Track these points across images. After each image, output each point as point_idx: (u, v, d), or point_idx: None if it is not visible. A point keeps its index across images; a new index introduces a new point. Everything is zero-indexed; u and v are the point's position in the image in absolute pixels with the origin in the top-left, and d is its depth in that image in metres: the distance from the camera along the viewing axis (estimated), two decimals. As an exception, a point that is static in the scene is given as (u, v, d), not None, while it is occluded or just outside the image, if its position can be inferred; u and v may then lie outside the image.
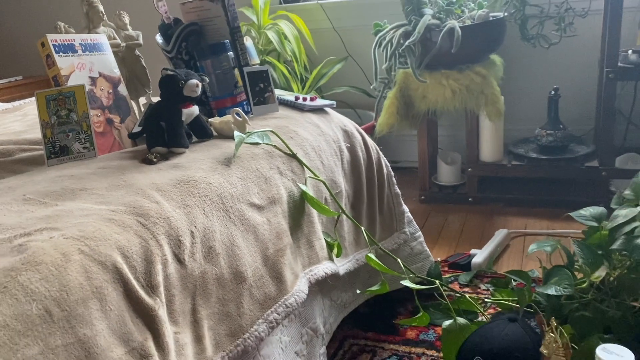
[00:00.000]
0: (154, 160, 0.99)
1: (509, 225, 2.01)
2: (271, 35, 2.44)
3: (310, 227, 1.11)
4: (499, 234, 1.87)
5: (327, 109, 1.41)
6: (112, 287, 0.69)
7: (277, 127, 1.19)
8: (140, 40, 1.31)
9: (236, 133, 1.06)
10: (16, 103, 1.82)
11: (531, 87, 2.43)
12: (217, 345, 0.84)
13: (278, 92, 1.43)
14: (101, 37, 1.16)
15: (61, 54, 1.07)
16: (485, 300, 1.49)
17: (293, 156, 1.13)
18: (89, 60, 1.11)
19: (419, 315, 1.21)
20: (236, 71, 1.27)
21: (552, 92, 2.15)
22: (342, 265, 1.22)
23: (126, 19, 1.30)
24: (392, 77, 2.14)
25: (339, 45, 2.69)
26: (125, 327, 0.68)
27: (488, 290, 1.59)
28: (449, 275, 1.70)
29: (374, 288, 1.19)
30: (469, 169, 2.23)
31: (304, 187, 1.10)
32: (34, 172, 0.97)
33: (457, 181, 2.35)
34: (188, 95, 1.04)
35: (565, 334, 1.01)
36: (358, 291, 1.32)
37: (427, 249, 1.56)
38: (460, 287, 1.62)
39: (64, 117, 1.01)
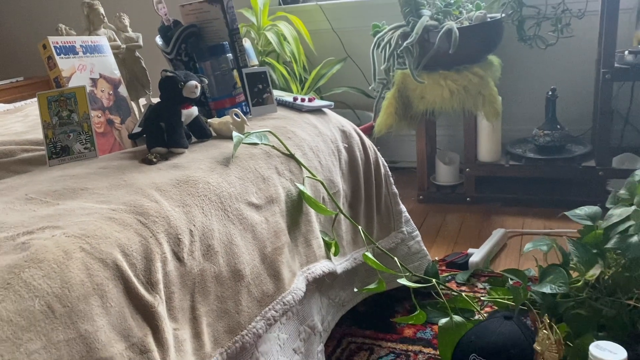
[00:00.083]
0: (154, 160, 1.00)
1: (506, 224, 2.03)
2: (270, 36, 2.46)
3: (308, 226, 1.12)
4: (496, 234, 1.89)
5: (325, 109, 1.42)
6: (113, 284, 0.70)
7: (276, 127, 1.20)
8: (140, 42, 1.32)
9: (235, 133, 1.08)
10: (17, 104, 1.83)
11: (529, 87, 2.45)
12: (216, 341, 0.85)
13: (276, 93, 1.44)
14: (102, 39, 1.18)
15: (62, 55, 1.08)
16: (482, 298, 1.51)
17: (291, 156, 1.14)
18: (89, 62, 1.12)
19: (415, 313, 1.23)
20: (235, 72, 1.28)
21: (550, 93, 2.16)
22: (339, 264, 1.23)
23: (126, 21, 1.32)
24: (391, 77, 2.16)
25: (338, 46, 2.71)
26: (125, 323, 0.70)
27: (485, 289, 1.60)
28: (447, 274, 1.71)
29: (371, 286, 1.20)
30: (467, 169, 2.24)
31: (301, 187, 1.11)
32: (36, 172, 0.99)
33: (455, 181, 2.37)
34: (187, 96, 1.06)
35: (558, 331, 1.02)
36: (355, 290, 1.34)
37: (425, 248, 1.58)
38: (457, 286, 1.64)
39: (65, 118, 1.03)
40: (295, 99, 1.40)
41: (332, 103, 1.45)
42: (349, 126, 1.42)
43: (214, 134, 1.17)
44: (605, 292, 1.20)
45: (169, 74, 1.05)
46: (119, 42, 1.29)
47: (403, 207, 1.52)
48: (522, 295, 1.26)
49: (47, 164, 1.02)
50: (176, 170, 0.95)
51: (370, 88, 2.28)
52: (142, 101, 1.40)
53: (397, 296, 1.57)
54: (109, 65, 1.17)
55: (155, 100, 1.14)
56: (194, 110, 1.11)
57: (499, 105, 2.03)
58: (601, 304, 1.19)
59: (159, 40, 1.33)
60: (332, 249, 1.20)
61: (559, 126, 2.17)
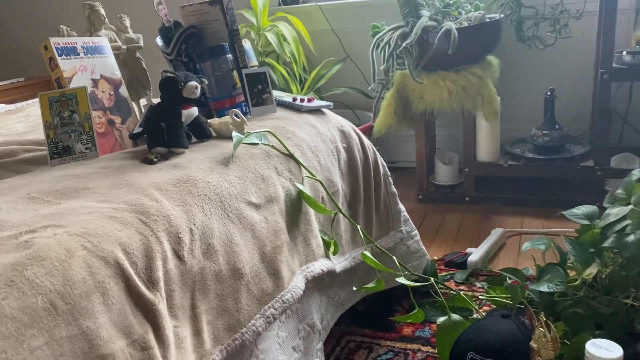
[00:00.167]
0: (155, 160, 1.01)
1: (505, 224, 2.04)
2: (270, 37, 2.47)
3: (307, 225, 1.13)
4: (495, 233, 1.90)
5: (324, 110, 1.43)
6: (114, 281, 0.71)
7: (275, 127, 1.21)
8: (141, 43, 1.33)
9: (234, 133, 1.09)
10: (19, 104, 1.84)
11: (527, 87, 2.46)
12: (216, 339, 0.86)
13: (276, 94, 1.45)
14: (102, 40, 1.19)
15: (64, 56, 1.09)
16: (480, 297, 1.51)
17: (290, 156, 1.15)
18: (90, 63, 1.13)
19: (414, 312, 1.24)
20: (235, 73, 1.29)
21: (548, 93, 2.17)
22: (338, 263, 1.24)
23: (127, 22, 1.33)
24: (390, 78, 2.17)
25: (338, 46, 2.72)
26: (126, 320, 0.71)
27: (483, 288, 1.61)
28: (446, 273, 1.72)
29: (370, 285, 1.21)
30: (466, 169, 2.25)
31: (300, 186, 1.12)
32: (38, 172, 1.00)
33: (454, 181, 2.38)
34: (187, 97, 1.07)
35: (554, 328, 1.03)
36: (354, 288, 1.35)
37: (424, 248, 1.59)
38: (456, 285, 1.65)
39: (66, 118, 1.04)
40: (294, 99, 1.41)
41: (331, 103, 1.46)
42: (348, 126, 1.43)
43: (214, 134, 1.18)
44: (602, 290, 1.21)
45: (169, 74, 1.06)
46: (119, 43, 1.30)
47: (402, 207, 1.53)
48: (520, 294, 1.27)
49: (49, 163, 1.03)
50: (176, 170, 0.96)
51: (369, 88, 2.29)
52: (143, 101, 1.41)
53: (396, 295, 1.58)
54: (110, 66, 1.18)
55: (156, 100, 1.15)
56: (194, 111, 1.12)
57: (498, 105, 2.04)
58: (598, 303, 1.20)
59: (159, 41, 1.34)
60: (331, 248, 1.21)
61: (557, 126, 2.18)
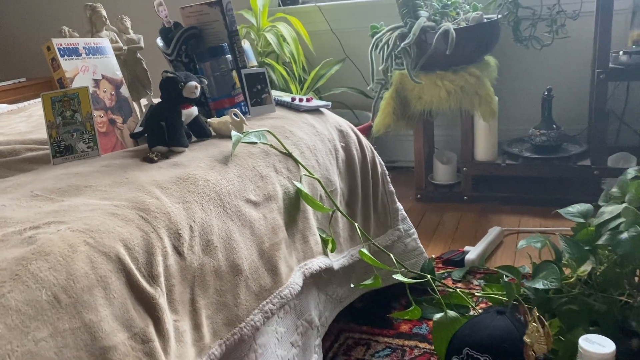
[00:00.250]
0: (155, 158, 1.03)
1: (502, 223, 2.05)
2: (270, 37, 2.49)
3: (305, 223, 1.15)
4: (493, 232, 1.91)
5: (322, 109, 1.45)
6: (116, 276, 0.73)
7: (274, 127, 1.23)
8: (142, 44, 1.35)
9: (234, 133, 1.11)
10: (21, 104, 1.86)
11: (525, 87, 2.47)
12: (215, 333, 0.88)
13: (275, 93, 1.47)
14: (104, 41, 1.20)
15: (66, 57, 1.11)
16: (476, 294, 1.53)
17: (289, 155, 1.17)
18: (92, 63, 1.15)
19: (411, 309, 1.25)
20: (234, 73, 1.31)
21: (546, 93, 2.19)
22: (336, 261, 1.26)
23: (128, 23, 1.34)
24: (389, 78, 2.18)
25: (337, 47, 2.74)
26: (127, 313, 0.73)
27: (480, 285, 1.63)
28: (443, 271, 1.74)
29: (367, 282, 1.23)
30: (464, 168, 2.27)
31: (299, 185, 1.14)
32: (41, 170, 1.01)
33: (452, 180, 2.39)
34: (187, 97, 1.08)
35: (547, 323, 1.05)
36: (352, 285, 1.36)
37: (421, 246, 1.60)
38: (453, 283, 1.66)
39: (68, 118, 1.05)
40: (293, 99, 1.43)
41: (330, 103, 1.47)
42: (346, 125, 1.44)
43: (213, 133, 1.20)
44: (596, 287, 1.22)
45: (169, 74, 1.08)
46: (120, 44, 1.31)
47: (399, 205, 1.55)
48: (515, 291, 1.29)
49: (52, 162, 1.04)
50: (176, 168, 0.98)
51: (368, 88, 2.31)
52: (144, 101, 1.43)
53: (394, 293, 1.59)
54: (111, 67, 1.19)
55: (156, 100, 1.16)
56: (194, 110, 1.14)
57: (496, 105, 2.06)
58: (593, 300, 1.21)
59: (159, 41, 1.35)
60: (329, 246, 1.23)
61: (555, 126, 2.20)
